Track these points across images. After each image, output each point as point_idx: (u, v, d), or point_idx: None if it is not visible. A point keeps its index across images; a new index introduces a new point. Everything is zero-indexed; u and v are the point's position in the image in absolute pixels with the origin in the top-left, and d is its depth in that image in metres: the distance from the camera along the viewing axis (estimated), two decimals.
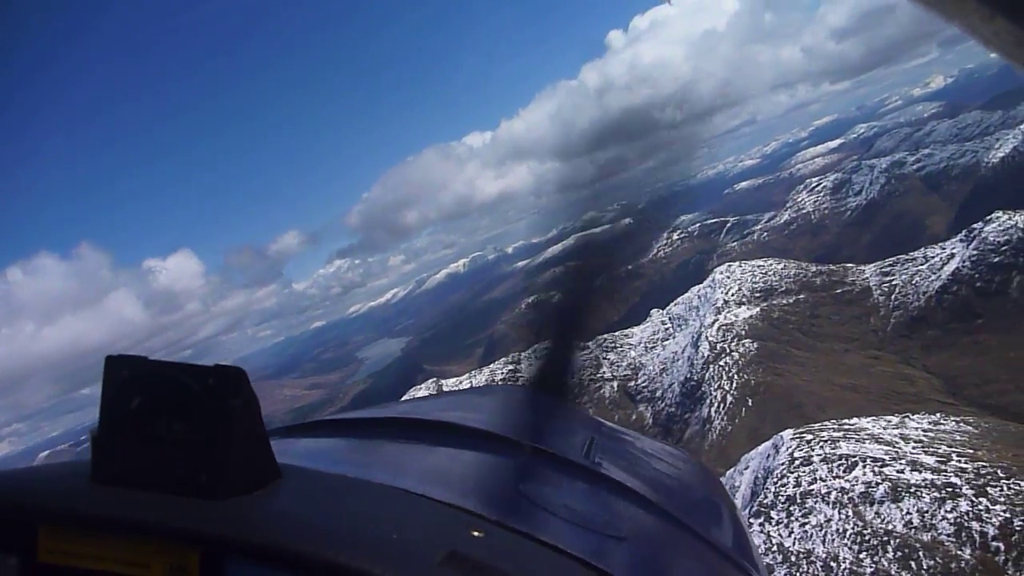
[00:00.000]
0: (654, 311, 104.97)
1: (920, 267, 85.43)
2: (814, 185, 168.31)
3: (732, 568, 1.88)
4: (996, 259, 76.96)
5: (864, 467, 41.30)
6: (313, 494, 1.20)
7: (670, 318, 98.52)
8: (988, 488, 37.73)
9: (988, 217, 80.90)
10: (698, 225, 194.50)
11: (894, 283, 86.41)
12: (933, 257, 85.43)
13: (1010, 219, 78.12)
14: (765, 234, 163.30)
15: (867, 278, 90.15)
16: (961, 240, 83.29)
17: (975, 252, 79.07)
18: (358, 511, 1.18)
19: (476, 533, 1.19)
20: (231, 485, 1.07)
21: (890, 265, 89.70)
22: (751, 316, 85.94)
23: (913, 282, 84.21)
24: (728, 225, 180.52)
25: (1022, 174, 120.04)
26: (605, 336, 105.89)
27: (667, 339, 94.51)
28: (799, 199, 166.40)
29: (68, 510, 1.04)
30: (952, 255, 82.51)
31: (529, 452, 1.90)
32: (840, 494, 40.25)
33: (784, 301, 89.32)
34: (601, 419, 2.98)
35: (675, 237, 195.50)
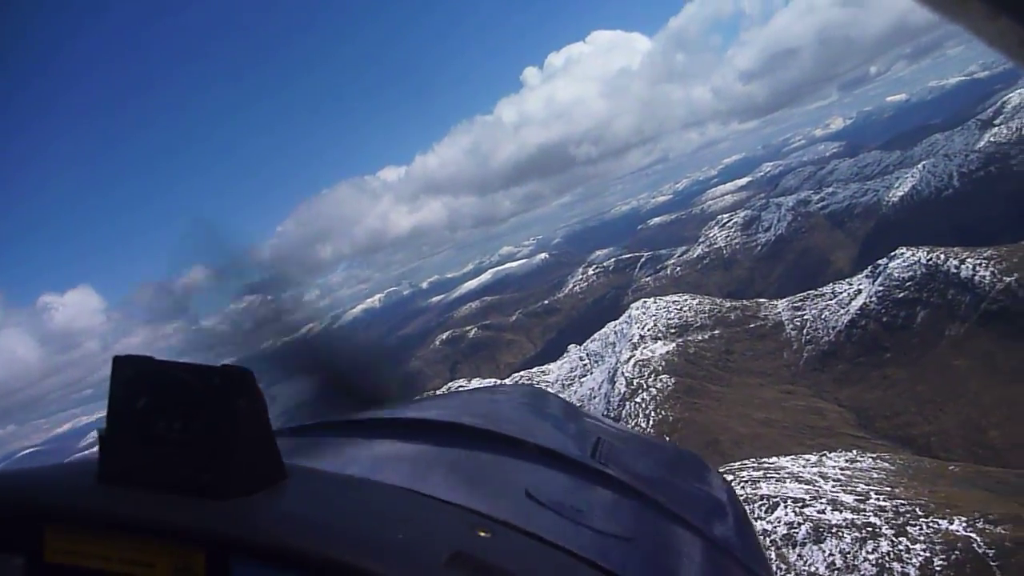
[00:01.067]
0: (571, 347, 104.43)
1: (829, 302, 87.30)
2: (725, 221, 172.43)
3: (741, 570, 1.87)
4: (901, 294, 79.12)
5: (786, 508, 40.65)
6: (319, 494, 1.21)
7: (587, 354, 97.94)
8: (907, 527, 37.46)
9: (892, 253, 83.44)
10: (613, 260, 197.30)
11: (805, 318, 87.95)
12: (841, 292, 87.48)
13: (913, 255, 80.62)
14: (678, 269, 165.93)
15: (779, 313, 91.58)
16: (867, 276, 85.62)
17: (881, 288, 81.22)
18: (364, 511, 1.19)
19: (482, 533, 1.20)
20: (237, 485, 1.08)
21: (801, 300, 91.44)
22: (667, 352, 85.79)
23: (823, 317, 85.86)
24: (642, 260, 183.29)
25: (921, 212, 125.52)
26: (522, 372, 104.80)
27: (584, 375, 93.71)
28: (711, 235, 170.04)
29: (74, 509, 1.05)
30: (859, 290, 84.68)
31: (535, 452, 1.90)
32: (763, 536, 39.39)
33: (699, 336, 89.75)
34: (608, 419, 2.94)
35: (591, 272, 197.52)
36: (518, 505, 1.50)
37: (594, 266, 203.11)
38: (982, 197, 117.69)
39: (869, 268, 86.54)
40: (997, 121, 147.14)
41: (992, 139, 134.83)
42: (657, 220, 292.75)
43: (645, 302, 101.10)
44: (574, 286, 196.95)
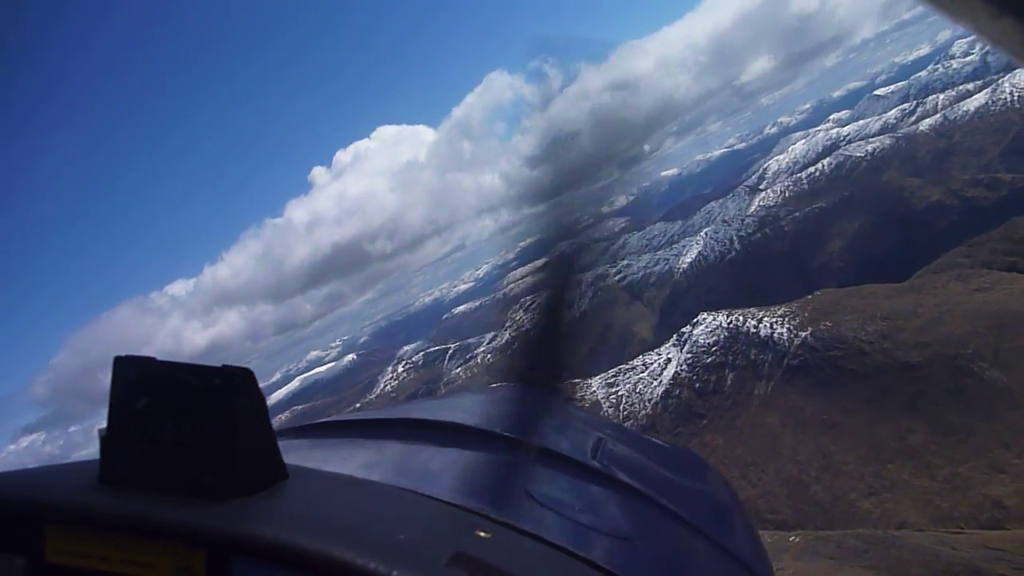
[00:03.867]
0: None
1: (641, 375, 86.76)
2: (529, 303, 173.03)
3: (741, 570, 1.90)
4: (709, 359, 79.70)
5: None
6: (320, 495, 1.21)
7: None
8: None
9: (695, 320, 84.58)
10: (421, 354, 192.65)
11: (620, 393, 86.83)
12: (652, 364, 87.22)
13: (714, 319, 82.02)
14: (489, 356, 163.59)
15: (595, 391, 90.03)
16: (674, 344, 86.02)
17: (689, 355, 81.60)
18: (365, 512, 1.20)
19: (483, 534, 1.21)
20: (238, 486, 1.08)
21: (614, 376, 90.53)
22: None
23: (638, 390, 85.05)
24: (450, 351, 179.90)
25: (709, 276, 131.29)
26: None
27: None
28: (517, 318, 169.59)
29: (75, 510, 1.06)
30: (669, 359, 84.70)
31: (536, 453, 1.94)
32: None
33: None
34: (609, 420, 3.58)
35: (400, 369, 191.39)
36: (518, 505, 1.52)
37: (403, 362, 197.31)
38: (762, 257, 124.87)
39: (675, 337, 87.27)
40: (762, 186, 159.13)
41: (761, 203, 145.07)
42: (461, 308, 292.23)
43: None
44: (385, 385, 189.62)
